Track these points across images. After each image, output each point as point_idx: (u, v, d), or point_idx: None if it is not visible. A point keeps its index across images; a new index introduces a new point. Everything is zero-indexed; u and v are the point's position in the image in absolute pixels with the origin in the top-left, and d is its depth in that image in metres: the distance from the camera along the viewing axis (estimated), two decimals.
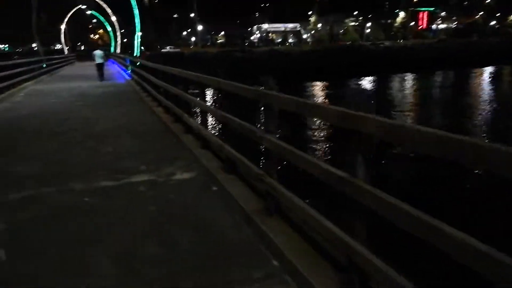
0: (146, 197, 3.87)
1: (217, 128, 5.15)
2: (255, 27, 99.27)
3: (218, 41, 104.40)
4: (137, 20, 24.98)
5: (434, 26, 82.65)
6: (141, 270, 2.55)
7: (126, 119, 8.37)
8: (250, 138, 3.34)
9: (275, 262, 2.56)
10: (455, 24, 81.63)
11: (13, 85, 14.77)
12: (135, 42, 26.04)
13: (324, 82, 31.42)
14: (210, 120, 8.60)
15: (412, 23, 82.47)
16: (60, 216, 3.46)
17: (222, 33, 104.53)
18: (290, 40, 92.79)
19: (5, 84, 13.40)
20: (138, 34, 25.11)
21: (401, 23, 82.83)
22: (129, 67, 19.23)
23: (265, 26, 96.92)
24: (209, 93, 18.05)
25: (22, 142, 6.46)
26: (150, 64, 10.69)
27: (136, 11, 24.69)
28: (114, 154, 5.57)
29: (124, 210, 3.56)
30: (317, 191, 3.82)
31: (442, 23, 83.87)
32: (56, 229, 3.20)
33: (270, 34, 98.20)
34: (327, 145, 11.25)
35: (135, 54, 25.08)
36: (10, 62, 15.44)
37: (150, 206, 3.61)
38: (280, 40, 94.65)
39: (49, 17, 64.49)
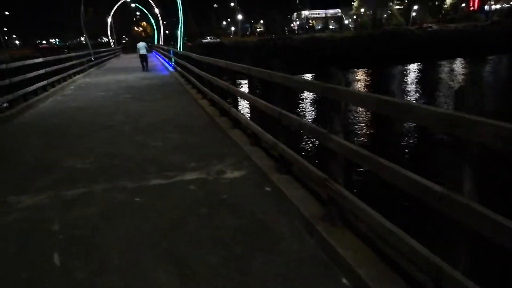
0: (198, 197, 3.71)
1: (264, 122, 4.97)
2: (294, 14, 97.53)
3: (257, 30, 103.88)
4: (180, 11, 25.11)
5: (486, 7, 76.84)
6: (199, 281, 2.37)
7: (172, 112, 8.34)
8: (303, 135, 3.06)
9: (345, 281, 2.29)
10: (510, 4, 75.46)
11: (64, 79, 15.35)
12: (178, 33, 26.24)
13: (367, 70, 30.24)
14: (255, 113, 8.38)
15: (463, 5, 77.24)
16: (111, 217, 3.37)
17: (261, 21, 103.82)
18: (331, 27, 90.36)
19: (57, 77, 13.92)
20: (181, 26, 25.26)
21: (451, 4, 77.85)
22: (173, 59, 19.41)
23: (305, 13, 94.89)
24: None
25: (73, 136, 6.57)
26: (193, 55, 10.61)
27: (179, 2, 24.80)
28: (163, 148, 5.50)
29: (176, 211, 3.41)
30: (387, 199, 3.50)
31: (495, 3, 77.80)
32: (109, 232, 3.10)
33: (310, 21, 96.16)
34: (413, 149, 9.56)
35: (178, 46, 25.29)
36: (63, 56, 16.03)
37: (202, 208, 3.45)
38: (320, 26, 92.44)
39: (96, 11, 67.02)
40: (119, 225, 3.20)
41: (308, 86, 3.10)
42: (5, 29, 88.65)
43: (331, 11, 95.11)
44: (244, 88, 17.10)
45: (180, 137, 6.11)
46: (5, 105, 8.94)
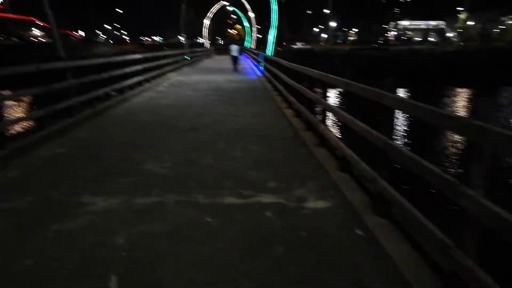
0: (274, 229, 3.21)
1: (355, 142, 4.32)
2: (391, 23, 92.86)
3: (349, 38, 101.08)
4: (274, 16, 25.13)
5: None
6: None
7: (256, 120, 8.01)
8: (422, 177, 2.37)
9: None
10: None
11: (160, 75, 16.13)
12: (270, 38, 26.30)
13: (471, 89, 27.15)
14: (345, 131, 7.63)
15: None
16: (178, 241, 3.02)
17: (355, 30, 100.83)
18: (431, 39, 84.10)
19: (153, 73, 14.63)
20: (273, 30, 25.26)
21: None
22: (262, 63, 19.36)
23: (403, 22, 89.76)
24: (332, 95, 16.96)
25: (157, 136, 6.56)
26: (283, 62, 10.22)
27: (274, 7, 24.83)
28: (242, 161, 5.12)
29: (247, 244, 2.95)
30: None
31: None
32: (172, 262, 2.75)
33: (408, 32, 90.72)
34: None
35: (268, 50, 25.32)
36: (160, 54, 16.92)
37: (277, 245, 2.93)
38: (420, 38, 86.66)
39: (195, 12, 71.10)
40: (184, 253, 2.83)
41: (451, 122, 2.27)
42: (117, 25, 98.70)
43: (432, 22, 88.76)
44: (330, 99, 16.30)
45: (261, 150, 5.69)
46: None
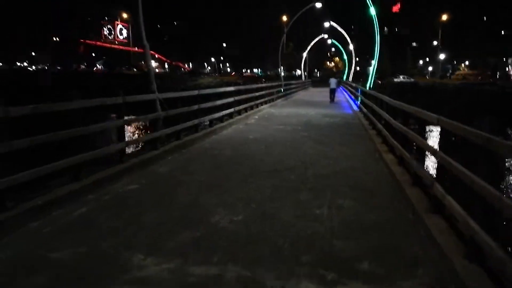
0: None
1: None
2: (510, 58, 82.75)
3: (460, 72, 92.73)
4: (376, 48, 23.79)
5: None
6: None
7: (349, 164, 6.95)
8: None
9: None
10: None
11: (252, 107, 15.98)
12: (370, 70, 24.89)
13: None
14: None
15: None
16: None
17: (466, 62, 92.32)
18: None
19: (245, 106, 14.48)
20: (374, 62, 23.85)
21: None
22: (359, 98, 18.12)
23: None
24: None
25: (237, 177, 5.93)
26: (385, 98, 9.00)
27: (377, 38, 23.54)
28: (328, 223, 4.14)
29: None
30: None
31: None
32: None
33: None
34: None
35: (367, 84, 23.90)
36: (254, 86, 16.89)
37: None
38: None
39: (295, 45, 72.45)
40: None
41: None
42: (221, 57, 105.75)
43: None
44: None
45: (354, 207, 4.64)
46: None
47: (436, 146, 4.51)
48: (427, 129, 14.26)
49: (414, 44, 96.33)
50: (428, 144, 4.53)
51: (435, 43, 74.44)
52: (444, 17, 69.92)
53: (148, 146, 7.31)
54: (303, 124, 12.81)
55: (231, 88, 12.81)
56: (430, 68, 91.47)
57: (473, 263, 3.01)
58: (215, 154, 7.76)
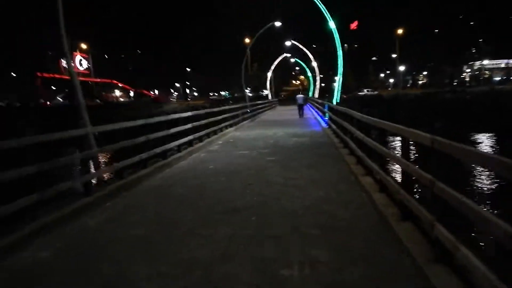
0: None
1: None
2: (465, 65, 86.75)
3: (419, 82, 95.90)
4: (340, 62, 23.43)
5: None
6: None
7: (321, 194, 5.88)
8: None
9: None
10: None
11: (215, 132, 14.81)
12: (335, 86, 24.48)
13: None
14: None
15: None
16: None
17: (424, 73, 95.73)
18: None
19: (205, 131, 13.30)
20: (339, 77, 23.46)
21: None
22: (327, 114, 17.40)
23: (483, 62, 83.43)
24: None
25: (183, 227, 4.69)
26: (356, 114, 8.12)
27: (339, 53, 23.21)
28: None
29: None
30: None
31: None
32: None
33: (485, 72, 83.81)
34: None
35: (334, 99, 23.38)
36: (216, 110, 15.75)
37: None
38: (499, 78, 79.24)
39: (259, 65, 72.60)
40: None
41: None
42: (187, 82, 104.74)
43: None
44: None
45: (332, 261, 3.52)
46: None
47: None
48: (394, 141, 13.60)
49: (374, 58, 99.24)
50: (428, 175, 3.46)
51: (394, 55, 76.73)
52: (400, 31, 72.41)
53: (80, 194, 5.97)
54: (270, 146, 11.77)
55: (187, 114, 11.62)
56: (392, 80, 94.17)
57: None
58: (164, 194, 6.51)
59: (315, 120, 22.50)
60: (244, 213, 5.13)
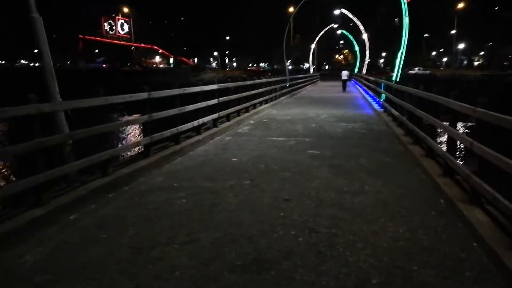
0: None
1: None
2: None
3: (475, 62, 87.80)
4: (404, 32, 20.11)
5: None
6: None
7: (397, 230, 3.57)
8: None
9: None
10: None
11: (247, 109, 12.57)
12: (397, 61, 21.21)
13: None
14: None
15: None
16: None
17: (481, 53, 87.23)
18: None
19: (235, 108, 11.09)
20: (401, 51, 20.20)
21: None
22: (382, 95, 14.57)
23: None
24: None
25: (177, 245, 2.61)
26: (440, 98, 5.57)
27: (405, 20, 19.86)
28: None
29: None
30: None
31: None
32: None
33: None
34: None
35: (394, 77, 20.24)
36: (249, 83, 13.39)
37: None
38: None
39: (302, 36, 68.55)
40: None
41: None
42: (227, 52, 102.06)
43: None
44: None
45: None
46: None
47: None
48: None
49: (426, 34, 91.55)
50: None
51: (452, 32, 69.97)
52: (460, 5, 65.46)
53: (29, 199, 4.01)
54: (312, 133, 9.42)
55: (213, 86, 9.40)
56: (445, 59, 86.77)
57: None
58: (159, 202, 4.45)
59: (364, 100, 19.63)
60: (272, 271, 2.94)
